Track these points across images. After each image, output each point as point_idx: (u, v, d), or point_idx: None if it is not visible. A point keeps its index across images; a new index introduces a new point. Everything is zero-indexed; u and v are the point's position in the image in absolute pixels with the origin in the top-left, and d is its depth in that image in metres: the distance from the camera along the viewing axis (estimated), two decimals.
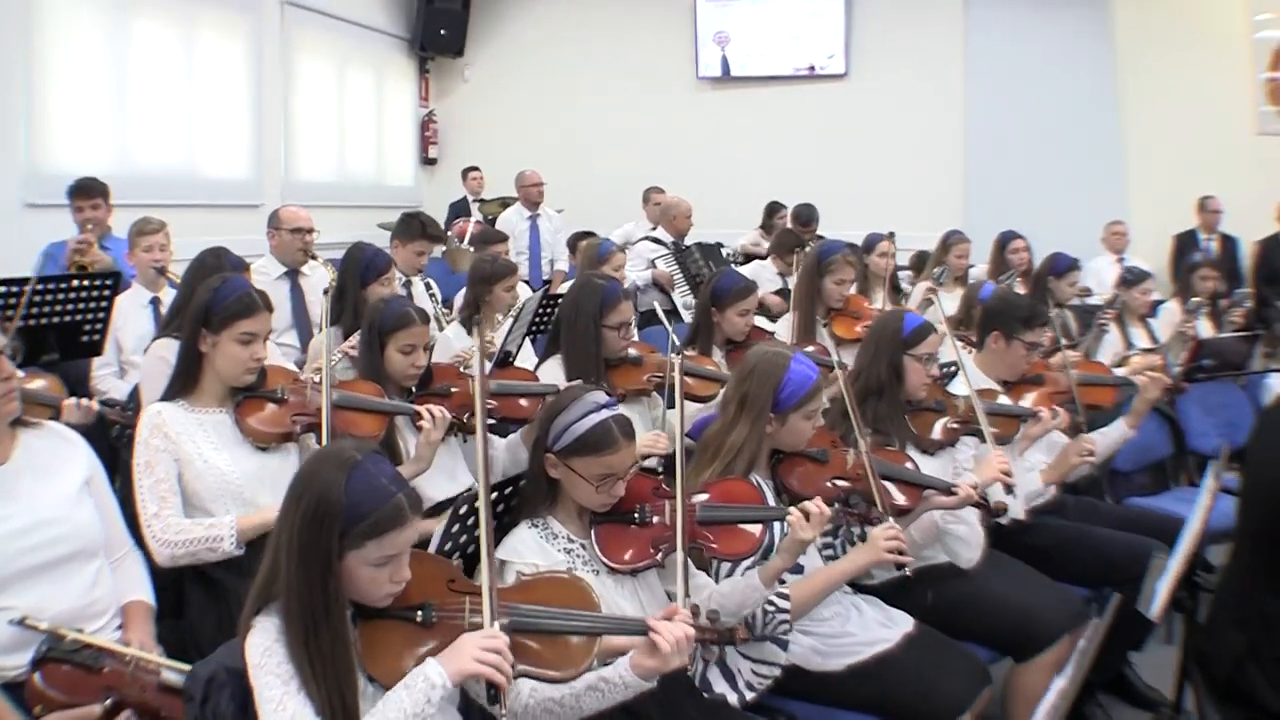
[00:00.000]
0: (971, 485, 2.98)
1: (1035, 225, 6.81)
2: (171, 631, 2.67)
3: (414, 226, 5.26)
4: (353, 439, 2.42)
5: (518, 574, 2.22)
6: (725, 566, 2.58)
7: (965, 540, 3.07)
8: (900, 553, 2.56)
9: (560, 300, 5.10)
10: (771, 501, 2.70)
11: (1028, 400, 3.77)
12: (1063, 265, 5.70)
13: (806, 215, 8.24)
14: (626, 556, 2.38)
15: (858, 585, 3.06)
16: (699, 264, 7.09)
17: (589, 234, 6.62)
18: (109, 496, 2.59)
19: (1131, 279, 5.88)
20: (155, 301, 4.79)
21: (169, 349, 3.50)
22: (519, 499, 2.49)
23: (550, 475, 2.38)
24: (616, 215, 8.63)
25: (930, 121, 9.79)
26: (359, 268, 4.28)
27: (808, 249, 7.75)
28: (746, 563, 2.54)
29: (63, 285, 4.15)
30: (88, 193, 5.35)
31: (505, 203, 8.95)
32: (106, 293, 4.29)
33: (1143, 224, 8.50)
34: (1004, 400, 3.67)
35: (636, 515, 2.41)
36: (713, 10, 10.26)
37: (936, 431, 3.40)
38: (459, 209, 9.29)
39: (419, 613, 1.91)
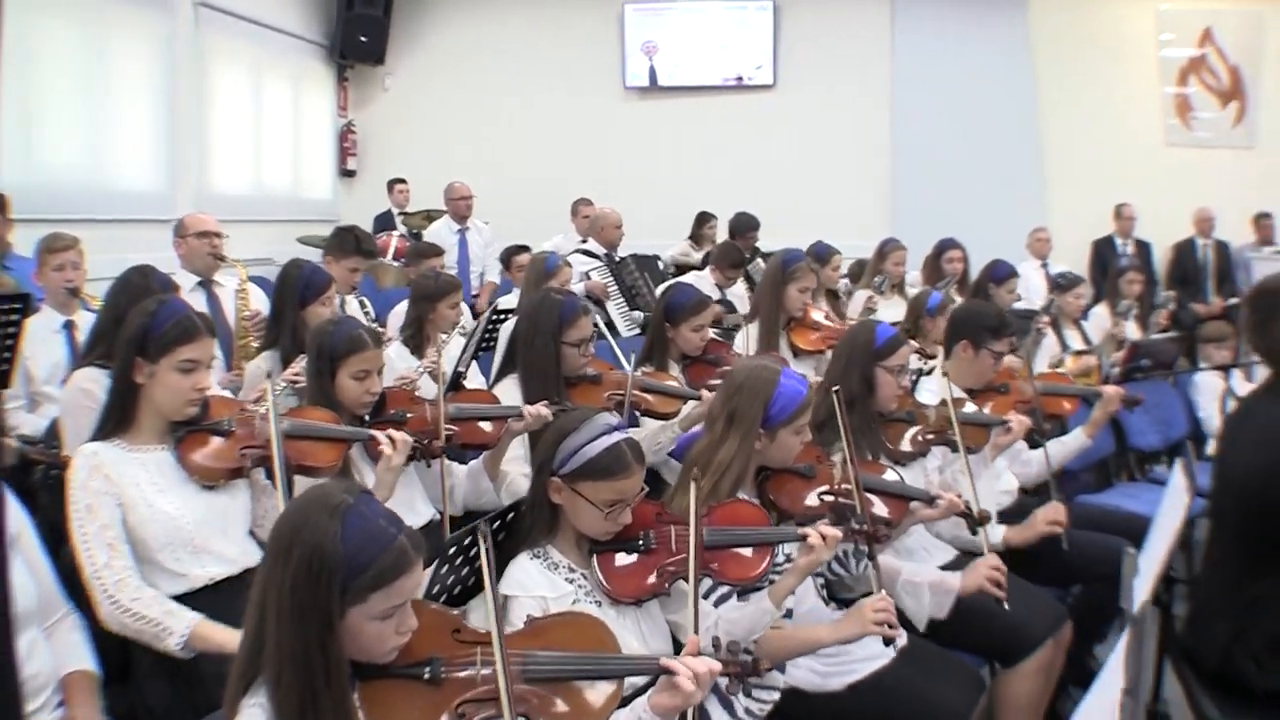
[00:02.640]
0: (956, 495, 2.98)
1: (960, 233, 6.83)
2: (118, 699, 2.43)
3: (348, 241, 5.01)
4: (341, 480, 2.16)
5: (527, 615, 2.07)
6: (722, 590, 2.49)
7: (913, 612, 2.97)
8: (889, 625, 2.44)
9: (505, 316, 5.01)
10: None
11: (991, 408, 3.76)
12: (1002, 273, 5.74)
13: (746, 223, 8.19)
14: (631, 586, 2.27)
15: (843, 600, 2.99)
16: (635, 276, 7.00)
17: (523, 248, 6.49)
18: (39, 554, 2.31)
19: (1065, 284, 5.98)
20: (69, 325, 4.37)
21: (92, 379, 3.29)
22: (515, 528, 2.36)
23: (553, 501, 2.26)
24: (544, 227, 8.43)
25: (857, 132, 9.91)
26: (297, 287, 4.02)
27: (765, 259, 7.80)
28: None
29: None
30: None
31: (430, 216, 8.76)
32: (14, 317, 3.85)
33: (1062, 231, 8.71)
34: (971, 408, 3.65)
35: (640, 542, 2.30)
36: (641, 20, 10.18)
37: (906, 443, 3.39)
38: (384, 222, 9.01)
39: (426, 669, 1.75)
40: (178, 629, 2.36)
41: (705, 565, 2.33)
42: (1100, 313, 6.18)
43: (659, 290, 6.30)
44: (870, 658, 2.72)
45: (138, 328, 2.55)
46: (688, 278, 6.83)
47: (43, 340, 4.27)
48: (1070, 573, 3.66)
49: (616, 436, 2.24)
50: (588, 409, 2.39)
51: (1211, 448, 5.40)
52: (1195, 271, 8.89)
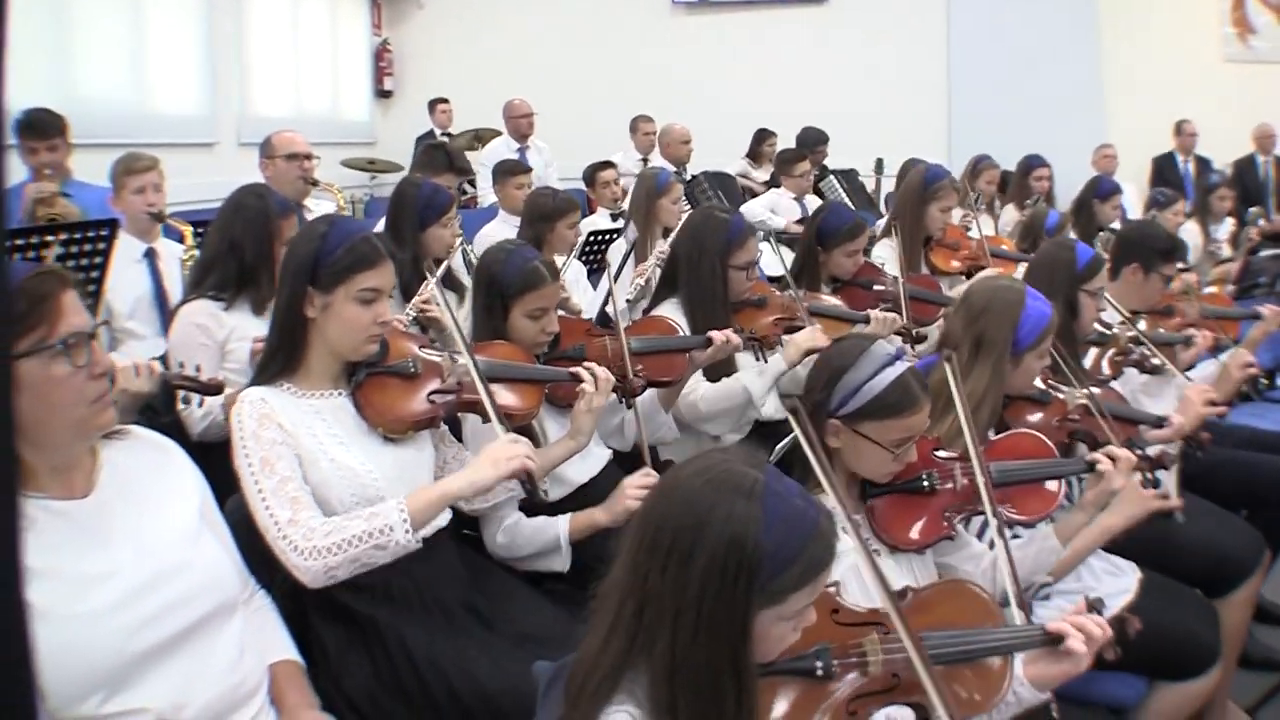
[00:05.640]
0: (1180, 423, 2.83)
1: (1018, 150, 6.76)
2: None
3: (439, 159, 4.66)
4: (729, 449, 1.63)
5: (905, 587, 1.84)
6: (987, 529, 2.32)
7: None
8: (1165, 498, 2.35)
9: (607, 237, 4.78)
10: None
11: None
12: (1106, 189, 5.56)
13: (814, 138, 7.93)
14: (915, 532, 2.08)
15: None
16: (708, 195, 6.75)
17: (608, 164, 6.18)
18: (222, 524, 1.92)
19: (1164, 201, 5.84)
20: (150, 254, 3.97)
21: (207, 312, 3.02)
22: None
23: (830, 445, 2.03)
24: (595, 146, 7.83)
25: (912, 47, 9.60)
26: (416, 207, 3.70)
27: (836, 176, 7.56)
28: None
29: (47, 239, 3.32)
30: (43, 130, 4.37)
31: (479, 135, 8.50)
32: (101, 245, 3.48)
33: (1121, 147, 8.40)
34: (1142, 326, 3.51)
35: (925, 482, 2.10)
36: None
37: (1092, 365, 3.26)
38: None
39: (817, 664, 1.46)
40: (395, 520, 2.02)
41: (1006, 504, 2.16)
42: (1192, 229, 6.02)
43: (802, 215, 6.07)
44: (1116, 593, 2.56)
45: (306, 254, 2.17)
46: (767, 198, 6.65)
47: (121, 271, 3.77)
48: (1246, 497, 3.51)
49: (900, 367, 2.01)
50: (861, 337, 2.17)
51: None
52: (1257, 189, 8.67)
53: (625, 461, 2.95)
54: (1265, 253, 5.83)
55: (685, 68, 9.68)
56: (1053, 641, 1.66)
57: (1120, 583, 2.61)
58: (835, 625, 1.58)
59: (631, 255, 4.15)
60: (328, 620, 2.10)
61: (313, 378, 2.20)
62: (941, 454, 2.18)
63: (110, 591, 1.60)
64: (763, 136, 8.59)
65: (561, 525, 2.54)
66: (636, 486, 2.45)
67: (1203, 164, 8.95)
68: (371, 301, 2.17)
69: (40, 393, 1.51)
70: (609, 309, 3.57)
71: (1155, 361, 3.22)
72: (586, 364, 2.63)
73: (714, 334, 3.01)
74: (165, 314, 3.78)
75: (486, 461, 2.12)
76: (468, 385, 2.34)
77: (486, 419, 2.31)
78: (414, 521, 2.04)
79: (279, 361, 2.19)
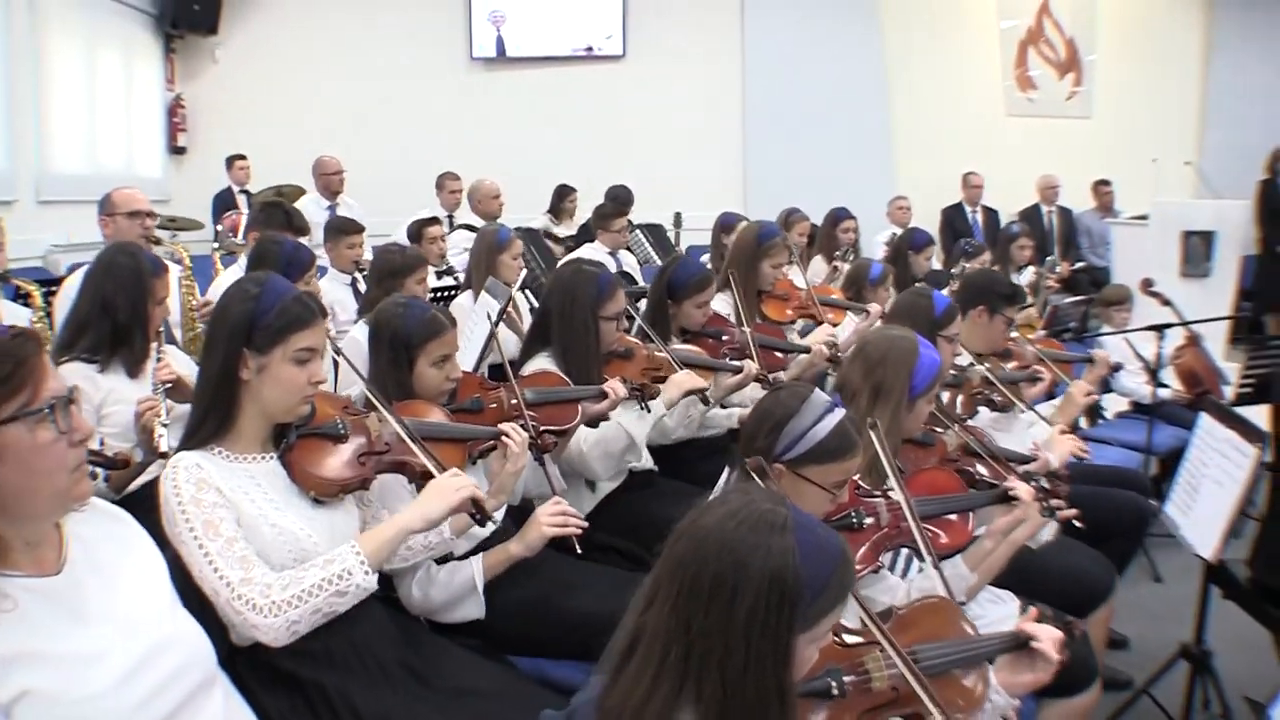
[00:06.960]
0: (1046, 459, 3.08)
1: (812, 202, 7.00)
2: None
3: (278, 217, 4.62)
4: (747, 485, 1.74)
5: (888, 607, 1.93)
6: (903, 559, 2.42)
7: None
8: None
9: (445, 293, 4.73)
10: None
11: None
12: (921, 241, 5.86)
13: (625, 196, 8.03)
14: None
15: None
16: (522, 250, 6.71)
17: (433, 220, 6.12)
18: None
19: (972, 251, 6.16)
20: None
21: (80, 375, 2.90)
22: None
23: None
24: (398, 203, 7.92)
25: (709, 103, 9.98)
26: (279, 264, 3.68)
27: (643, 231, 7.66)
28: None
29: None
30: None
31: (280, 191, 8.25)
32: None
33: (912, 198, 8.95)
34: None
35: (854, 519, 2.20)
36: None
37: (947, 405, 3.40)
38: (225, 201, 8.46)
39: (831, 684, 1.54)
40: (352, 564, 2.02)
41: (931, 537, 2.25)
42: None
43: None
44: (1003, 620, 2.68)
45: (241, 315, 2.12)
46: (584, 251, 6.68)
47: None
48: (1089, 528, 3.76)
49: (839, 414, 2.11)
50: (800, 386, 2.22)
51: (1117, 406, 5.70)
52: (1042, 237, 9.27)
53: (514, 514, 2.93)
54: (1069, 299, 6.23)
55: (486, 124, 9.77)
56: (1021, 644, 1.80)
57: (1002, 610, 2.74)
58: (839, 649, 1.64)
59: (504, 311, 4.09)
60: (269, 689, 2.03)
61: (243, 441, 2.15)
62: (864, 490, 2.28)
63: (107, 672, 1.53)
64: (564, 193, 8.64)
65: (475, 565, 2.57)
66: (550, 514, 2.56)
67: (990, 214, 9.57)
68: (307, 361, 2.16)
69: (24, 460, 1.44)
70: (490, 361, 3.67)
71: (1004, 400, 3.41)
72: (508, 425, 2.66)
73: (610, 385, 3.08)
74: None
75: (434, 495, 2.17)
76: (396, 446, 2.34)
77: (414, 479, 2.33)
78: (371, 562, 2.05)
79: (210, 426, 2.13)
